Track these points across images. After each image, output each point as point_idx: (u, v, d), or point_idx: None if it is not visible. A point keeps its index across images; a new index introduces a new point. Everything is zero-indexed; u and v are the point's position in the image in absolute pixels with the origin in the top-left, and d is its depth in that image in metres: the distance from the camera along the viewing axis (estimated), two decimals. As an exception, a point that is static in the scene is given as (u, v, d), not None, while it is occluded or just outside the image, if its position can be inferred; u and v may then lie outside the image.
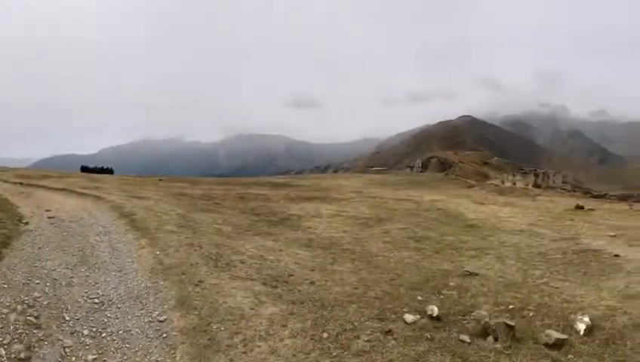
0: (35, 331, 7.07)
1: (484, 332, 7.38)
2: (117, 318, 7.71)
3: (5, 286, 8.52)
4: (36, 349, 6.65)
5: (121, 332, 7.26)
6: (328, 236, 16.49)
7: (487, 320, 7.59)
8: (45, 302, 8.11)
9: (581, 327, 7.88)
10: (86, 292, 8.81)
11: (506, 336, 7.17)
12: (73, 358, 6.60)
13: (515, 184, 75.13)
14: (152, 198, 22.22)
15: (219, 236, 14.55)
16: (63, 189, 23.52)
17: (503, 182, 75.55)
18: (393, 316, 8.08)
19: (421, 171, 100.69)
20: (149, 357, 6.58)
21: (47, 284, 8.98)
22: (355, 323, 7.70)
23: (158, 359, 6.54)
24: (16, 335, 6.84)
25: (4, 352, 6.37)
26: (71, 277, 9.51)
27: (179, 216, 17.09)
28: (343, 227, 18.44)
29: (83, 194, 21.30)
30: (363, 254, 13.61)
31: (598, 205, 32.18)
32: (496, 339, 7.16)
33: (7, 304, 7.73)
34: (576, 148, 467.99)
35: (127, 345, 6.89)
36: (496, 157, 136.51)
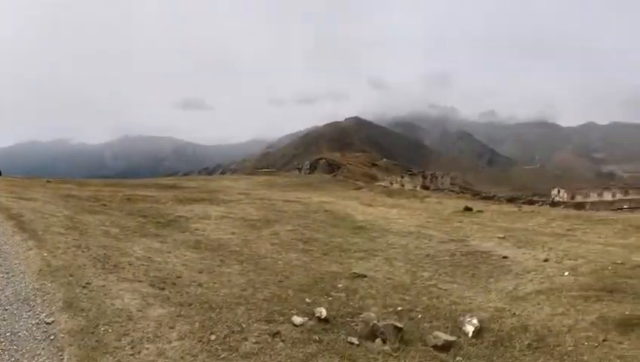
0: None
1: (373, 334, 7.50)
2: (4, 320, 7.47)
3: None
4: None
5: (8, 334, 7.05)
6: (216, 238, 16.42)
7: (375, 322, 7.73)
8: None
9: (469, 329, 8.22)
10: (-26, 294, 8.50)
11: (394, 338, 7.34)
12: (-40, 360, 6.44)
13: (403, 185, 77.95)
14: (40, 200, 21.62)
15: (106, 238, 14.31)
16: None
17: (391, 184, 78.13)
18: (281, 318, 8.13)
19: (309, 173, 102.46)
20: (36, 359, 6.44)
21: None
22: (243, 325, 7.69)
23: (46, 361, 6.42)
24: None
25: None
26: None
27: (66, 218, 16.72)
28: (231, 229, 18.42)
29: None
30: (251, 256, 13.63)
31: (487, 206, 33.71)
32: (384, 341, 7.30)
33: None
34: (465, 150, 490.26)
35: (15, 347, 6.71)
36: (384, 159, 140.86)
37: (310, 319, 8.05)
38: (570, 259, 14.18)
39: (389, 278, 11.86)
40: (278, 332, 7.43)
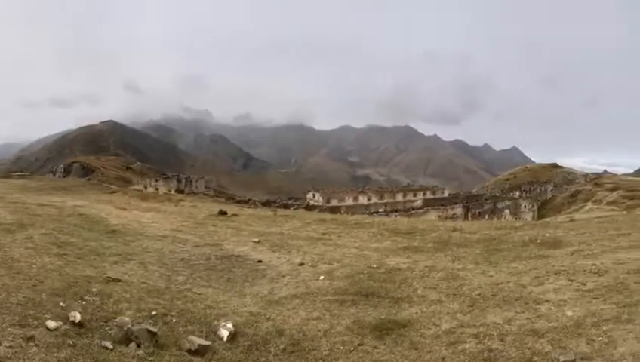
0: None
1: (127, 338, 7.33)
2: None
3: None
4: None
5: None
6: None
7: (129, 326, 7.56)
8: None
9: (224, 333, 8.31)
10: None
11: (148, 343, 7.21)
12: None
13: (158, 189, 76.97)
14: None
15: None
16: None
17: (145, 188, 76.84)
18: (35, 322, 7.71)
19: (64, 176, 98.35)
20: None
21: None
22: (-3, 330, 7.21)
23: None
24: None
25: None
26: None
27: None
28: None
29: None
30: (5, 260, 12.63)
31: (242, 210, 34.27)
32: (139, 346, 7.15)
33: None
34: (220, 153, 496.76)
35: None
36: (139, 163, 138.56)
37: (65, 323, 7.72)
38: (325, 263, 14.85)
39: (144, 282, 11.63)
40: (32, 337, 7.07)
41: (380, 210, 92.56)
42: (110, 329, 7.79)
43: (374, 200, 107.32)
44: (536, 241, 17.79)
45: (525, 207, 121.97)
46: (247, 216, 28.22)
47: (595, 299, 10.48)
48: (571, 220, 31.05)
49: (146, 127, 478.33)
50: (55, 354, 6.72)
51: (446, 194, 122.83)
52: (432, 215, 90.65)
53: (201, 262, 14.78)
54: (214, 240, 18.55)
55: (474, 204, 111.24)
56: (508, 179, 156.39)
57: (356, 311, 10.34)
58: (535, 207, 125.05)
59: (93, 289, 10.44)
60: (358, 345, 8.50)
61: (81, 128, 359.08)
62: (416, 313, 10.21)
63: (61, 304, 9.02)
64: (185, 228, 21.82)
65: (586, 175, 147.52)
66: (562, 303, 10.34)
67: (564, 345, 8.02)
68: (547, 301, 10.58)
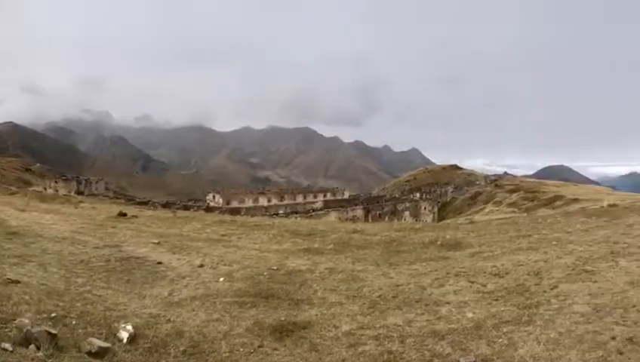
0: None
1: (27, 340, 7.21)
2: None
3: None
4: None
5: None
6: None
7: (29, 328, 7.43)
8: None
9: (124, 335, 8.29)
10: None
11: (48, 345, 7.12)
12: None
13: (57, 191, 74.60)
14: None
15: None
16: None
17: (45, 189, 74.29)
18: None
19: None
20: None
21: None
22: None
23: None
24: None
25: None
26: None
27: None
28: None
29: None
30: None
31: (142, 212, 33.64)
32: (38, 348, 7.04)
33: None
34: (119, 155, 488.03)
35: None
36: (38, 164, 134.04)
37: (-37, 325, 7.52)
38: (225, 265, 14.92)
39: (43, 284, 11.37)
40: None
41: (281, 212, 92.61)
42: (10, 331, 7.62)
43: (274, 201, 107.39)
44: (436, 243, 18.30)
45: (425, 208, 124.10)
46: (146, 218, 27.82)
47: (495, 300, 10.88)
48: (471, 222, 31.92)
49: (46, 129, 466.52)
50: (-47, 357, 6.55)
51: (346, 195, 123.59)
52: (333, 216, 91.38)
53: (100, 263, 14.55)
54: (114, 242, 18.26)
55: (374, 206, 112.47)
56: (408, 181, 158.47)
57: (256, 312, 10.46)
58: (435, 209, 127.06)
59: (-7, 291, 10.17)
60: (258, 346, 8.61)
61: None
62: (317, 315, 10.40)
63: (-40, 306, 8.77)
64: (84, 229, 21.33)
65: (486, 176, 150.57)
66: (463, 305, 10.70)
67: (464, 347, 8.30)
68: (447, 303, 10.92)
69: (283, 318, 10.07)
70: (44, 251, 15.64)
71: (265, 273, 13.99)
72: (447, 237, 19.46)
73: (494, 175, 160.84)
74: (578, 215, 25.38)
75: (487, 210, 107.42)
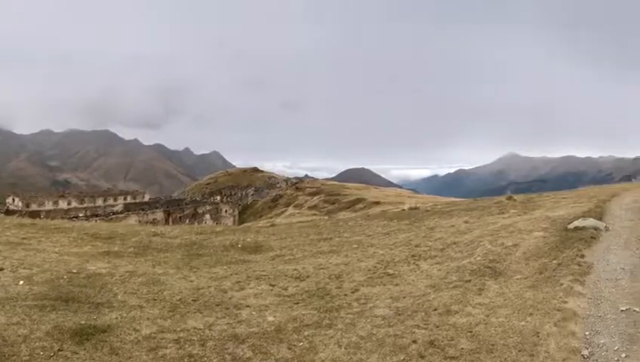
0: None
1: None
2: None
3: None
4: None
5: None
6: None
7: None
8: None
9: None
10: None
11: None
12: None
13: None
14: None
15: None
16: None
17: None
18: None
19: None
20: None
21: None
22: None
23: None
24: None
25: None
26: None
27: None
28: None
29: None
30: None
31: None
32: None
33: None
34: None
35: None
36: None
37: None
38: (25, 268, 14.33)
39: None
40: None
41: (81, 215, 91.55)
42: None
43: (75, 204, 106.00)
44: (237, 246, 18.74)
45: (226, 211, 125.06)
46: None
47: (296, 304, 11.46)
48: (272, 225, 32.70)
49: None
50: None
51: (147, 198, 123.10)
52: (133, 219, 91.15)
53: None
54: None
55: (175, 209, 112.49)
56: (209, 184, 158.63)
57: (56, 316, 10.29)
58: (236, 212, 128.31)
59: None
60: (58, 350, 8.56)
61: None
62: (117, 318, 10.43)
63: None
64: None
65: (287, 179, 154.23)
66: (263, 308, 11.19)
67: (265, 351, 8.76)
68: (248, 306, 11.38)
69: (83, 322, 9.99)
70: None
71: (65, 276, 13.66)
72: (248, 240, 19.95)
73: (295, 178, 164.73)
74: (379, 218, 26.78)
75: (288, 212, 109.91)
